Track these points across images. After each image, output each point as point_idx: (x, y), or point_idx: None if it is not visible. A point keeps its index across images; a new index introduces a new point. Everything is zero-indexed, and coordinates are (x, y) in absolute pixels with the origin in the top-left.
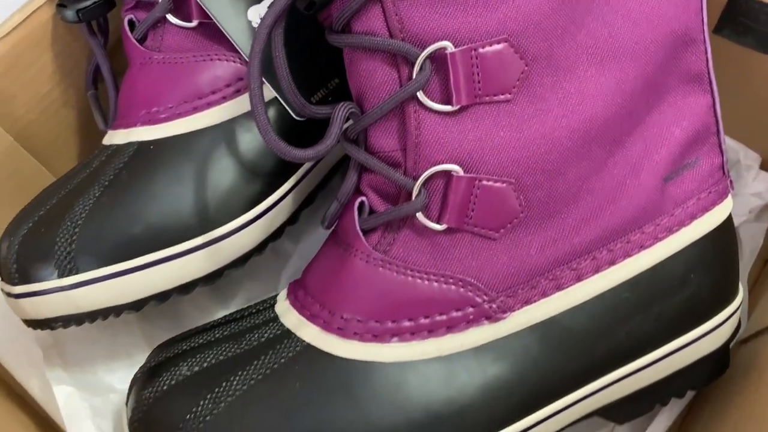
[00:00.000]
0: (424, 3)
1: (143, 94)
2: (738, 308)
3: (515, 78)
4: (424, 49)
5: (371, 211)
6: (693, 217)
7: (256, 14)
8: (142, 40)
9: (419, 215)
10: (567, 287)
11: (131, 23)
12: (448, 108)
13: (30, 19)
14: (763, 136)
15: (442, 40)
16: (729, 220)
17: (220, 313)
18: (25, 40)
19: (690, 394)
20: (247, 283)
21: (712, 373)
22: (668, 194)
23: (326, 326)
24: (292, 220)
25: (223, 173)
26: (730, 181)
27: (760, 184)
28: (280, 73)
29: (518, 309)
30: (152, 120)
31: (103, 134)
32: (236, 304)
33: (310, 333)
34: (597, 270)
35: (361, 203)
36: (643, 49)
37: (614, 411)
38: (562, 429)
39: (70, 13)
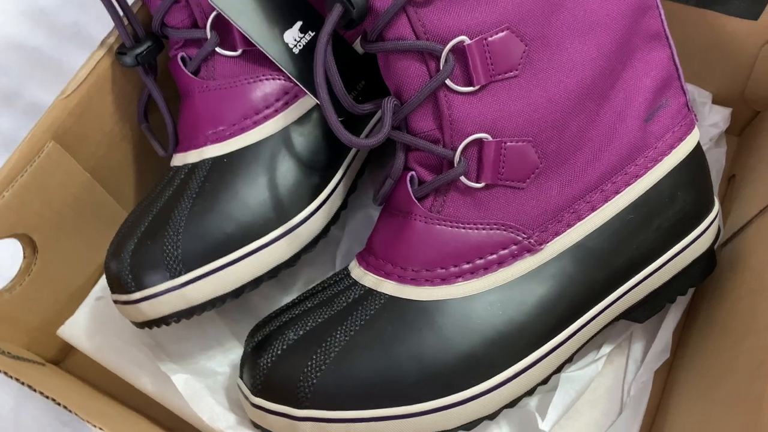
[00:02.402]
0: (441, 8)
1: (207, 118)
2: (717, 216)
3: (519, 57)
4: (446, 44)
5: (420, 182)
6: (672, 147)
7: (291, 37)
8: (196, 73)
9: (462, 178)
10: (585, 217)
11: (183, 60)
12: (470, 89)
13: (95, 70)
14: (710, 77)
15: (459, 35)
16: (698, 146)
17: (285, 300)
18: (92, 88)
19: (690, 292)
20: (304, 269)
21: (704, 271)
22: (649, 132)
23: (401, 279)
24: (344, 205)
25: (288, 172)
26: (695, 115)
27: (715, 116)
28: (333, 81)
29: (551, 240)
30: (219, 138)
31: (158, 160)
32: (297, 289)
33: (389, 287)
34: (606, 200)
35: (411, 177)
36: (612, 19)
37: (635, 312)
38: (598, 332)
39: (129, 59)
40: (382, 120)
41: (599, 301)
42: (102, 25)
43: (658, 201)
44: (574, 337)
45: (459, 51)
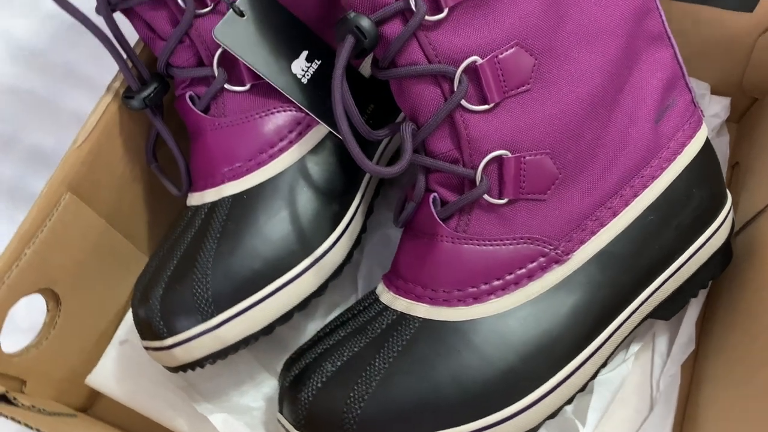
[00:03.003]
0: (450, 30)
1: (222, 155)
2: (731, 208)
3: (530, 71)
4: (458, 66)
5: (443, 203)
6: (683, 145)
7: (298, 67)
8: (205, 111)
9: (485, 196)
10: (608, 223)
11: (192, 98)
12: (485, 107)
13: (104, 116)
14: (707, 69)
15: (470, 55)
16: (708, 141)
17: (310, 327)
18: (102, 134)
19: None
20: (326, 294)
21: (723, 262)
22: (661, 132)
23: (433, 302)
24: (364, 228)
25: (308, 202)
26: (701, 110)
27: (715, 106)
28: (351, 113)
29: (577, 249)
30: (237, 175)
31: (171, 199)
32: (321, 315)
33: (421, 310)
34: (626, 204)
35: (434, 198)
36: (615, 25)
37: (661, 311)
38: (628, 334)
39: (136, 103)
40: (402, 146)
41: (628, 304)
42: (95, 63)
43: (675, 200)
44: (608, 342)
45: (471, 71)
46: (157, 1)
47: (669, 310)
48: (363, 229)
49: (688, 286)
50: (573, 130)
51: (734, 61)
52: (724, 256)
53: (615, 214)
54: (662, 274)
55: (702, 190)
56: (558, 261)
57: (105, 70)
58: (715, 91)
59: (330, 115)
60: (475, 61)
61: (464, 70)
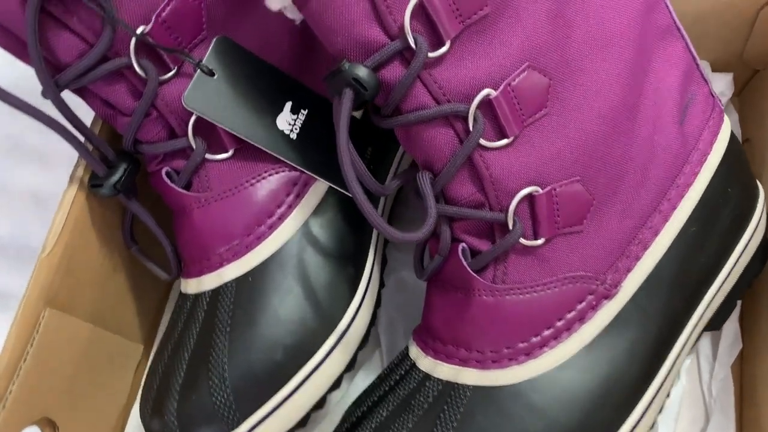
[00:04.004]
0: (454, 63)
1: (215, 235)
2: (764, 200)
3: (545, 93)
4: (470, 102)
5: (474, 253)
6: (711, 143)
7: (284, 122)
8: (187, 186)
9: (520, 239)
10: (651, 244)
11: (169, 175)
12: (505, 141)
13: (71, 212)
14: (704, 46)
15: (481, 87)
16: (732, 135)
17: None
18: (73, 232)
19: None
20: None
21: (763, 257)
22: (686, 134)
23: (482, 365)
24: (382, 283)
25: (320, 271)
26: (719, 100)
27: (719, 84)
28: (360, 173)
29: (625, 279)
30: (236, 254)
31: (156, 280)
32: (347, 379)
33: (470, 377)
34: (666, 219)
35: (463, 249)
36: (624, 25)
37: (712, 322)
38: (689, 353)
39: (106, 191)
40: (425, 204)
41: (683, 328)
42: (38, 134)
43: (713, 204)
44: (670, 373)
45: (485, 104)
46: (113, 75)
47: (720, 318)
48: (381, 284)
49: (736, 290)
50: (599, 148)
51: (733, 35)
52: (765, 250)
53: (656, 233)
54: (712, 286)
55: (736, 187)
56: (607, 296)
57: (55, 140)
58: (714, 67)
59: (329, 169)
60: (488, 95)
61: (478, 106)
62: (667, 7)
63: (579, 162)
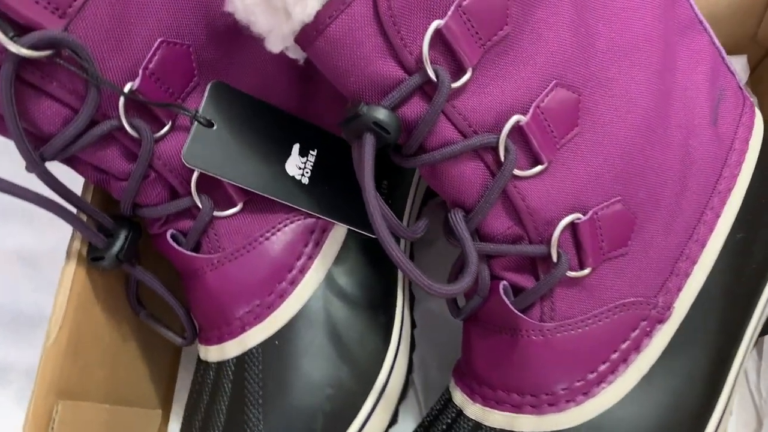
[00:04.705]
0: (478, 91)
1: (233, 298)
2: None
3: (576, 111)
4: (499, 130)
5: (516, 290)
6: (746, 140)
7: (293, 167)
8: (195, 248)
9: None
10: (699, 258)
11: (175, 237)
12: (539, 168)
13: (73, 290)
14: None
15: (510, 114)
16: (764, 125)
17: None
18: (77, 312)
19: None
20: None
21: None
22: (721, 134)
23: (537, 410)
24: (413, 323)
25: (351, 323)
26: (747, 93)
27: (735, 67)
28: (392, 224)
29: (676, 299)
30: (259, 317)
31: (168, 343)
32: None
33: (527, 423)
34: (711, 230)
35: (505, 288)
36: (647, 27)
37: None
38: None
39: (108, 263)
40: (463, 247)
41: (740, 342)
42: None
43: (756, 206)
44: (733, 391)
45: (516, 131)
46: (104, 139)
47: None
48: (412, 324)
49: None
50: (636, 162)
51: (746, 16)
52: None
53: (703, 245)
54: (764, 292)
55: None
56: (661, 320)
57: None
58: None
59: (347, 211)
60: (518, 121)
61: (508, 134)
62: (689, 0)
63: (618, 180)
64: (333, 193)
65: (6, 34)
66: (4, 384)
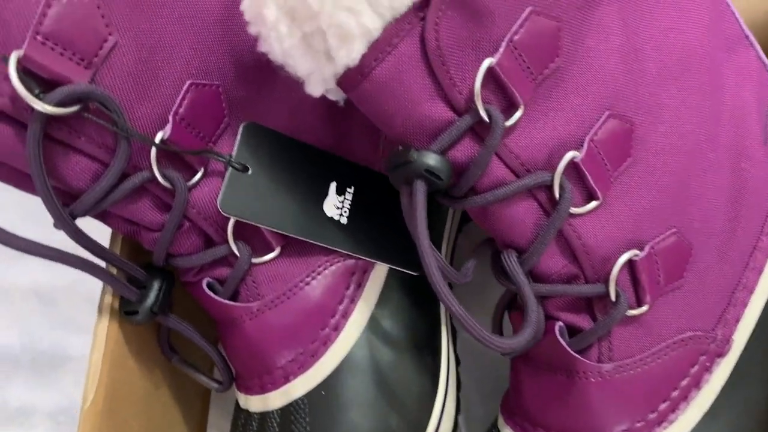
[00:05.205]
0: (530, 127)
1: (275, 347)
2: None
3: (629, 141)
4: (554, 168)
5: (572, 330)
6: None
7: (332, 206)
8: (233, 297)
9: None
10: (755, 286)
11: (211, 286)
12: (595, 204)
13: (107, 349)
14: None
15: (564, 150)
16: None
17: None
18: (112, 369)
19: None
20: None
21: None
22: None
23: None
24: (458, 360)
25: (398, 368)
26: None
27: None
28: (443, 269)
29: (735, 330)
30: (303, 366)
31: (202, 390)
32: None
33: None
34: (767, 255)
35: (561, 328)
36: (695, 46)
37: None
38: None
39: (142, 317)
40: (519, 290)
41: None
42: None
43: None
44: None
45: (570, 168)
46: (135, 192)
47: None
48: (457, 362)
49: None
50: (690, 190)
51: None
52: None
53: (760, 272)
54: None
55: None
56: (720, 353)
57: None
58: None
59: (387, 249)
60: (573, 157)
61: (563, 171)
62: (734, 13)
63: (673, 210)
64: (372, 231)
65: (32, 91)
66: (29, 428)
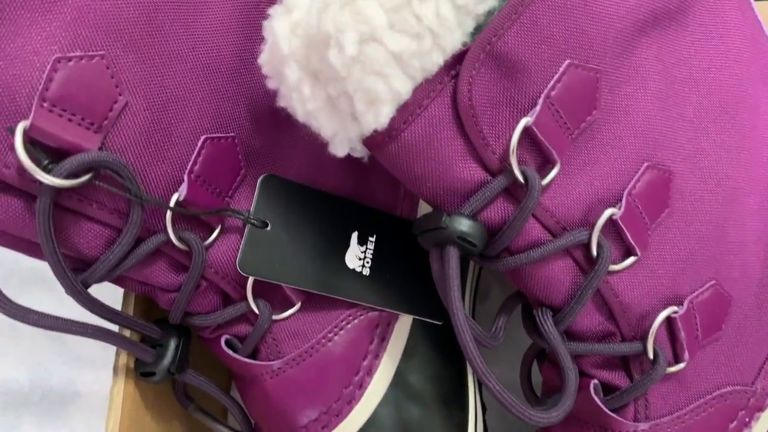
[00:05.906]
0: (565, 184)
1: (297, 406)
2: None
3: (667, 191)
4: (591, 226)
5: (608, 388)
6: None
7: (353, 258)
8: (253, 354)
9: None
10: None
11: (230, 343)
12: (632, 260)
13: (123, 415)
14: None
15: (603, 207)
16: None
17: None
18: (130, 428)
19: None
20: None
21: None
22: None
23: None
24: (484, 408)
25: (425, 422)
26: None
27: None
28: (476, 333)
29: None
30: (327, 426)
31: None
32: None
33: None
34: None
35: (595, 386)
36: (736, 83)
37: None
38: None
39: (160, 377)
40: (555, 352)
41: None
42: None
43: None
44: None
45: (607, 225)
46: (150, 256)
47: None
48: (484, 409)
49: None
50: (729, 238)
51: None
52: None
53: None
54: None
55: None
56: (761, 407)
57: None
58: None
59: (411, 300)
60: (612, 214)
61: (600, 230)
62: None
63: (711, 260)
64: (395, 280)
65: (40, 163)
66: None
